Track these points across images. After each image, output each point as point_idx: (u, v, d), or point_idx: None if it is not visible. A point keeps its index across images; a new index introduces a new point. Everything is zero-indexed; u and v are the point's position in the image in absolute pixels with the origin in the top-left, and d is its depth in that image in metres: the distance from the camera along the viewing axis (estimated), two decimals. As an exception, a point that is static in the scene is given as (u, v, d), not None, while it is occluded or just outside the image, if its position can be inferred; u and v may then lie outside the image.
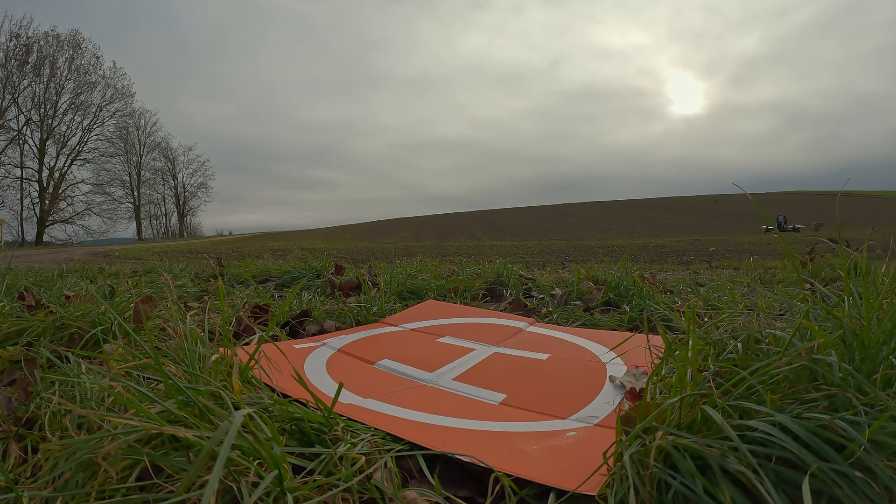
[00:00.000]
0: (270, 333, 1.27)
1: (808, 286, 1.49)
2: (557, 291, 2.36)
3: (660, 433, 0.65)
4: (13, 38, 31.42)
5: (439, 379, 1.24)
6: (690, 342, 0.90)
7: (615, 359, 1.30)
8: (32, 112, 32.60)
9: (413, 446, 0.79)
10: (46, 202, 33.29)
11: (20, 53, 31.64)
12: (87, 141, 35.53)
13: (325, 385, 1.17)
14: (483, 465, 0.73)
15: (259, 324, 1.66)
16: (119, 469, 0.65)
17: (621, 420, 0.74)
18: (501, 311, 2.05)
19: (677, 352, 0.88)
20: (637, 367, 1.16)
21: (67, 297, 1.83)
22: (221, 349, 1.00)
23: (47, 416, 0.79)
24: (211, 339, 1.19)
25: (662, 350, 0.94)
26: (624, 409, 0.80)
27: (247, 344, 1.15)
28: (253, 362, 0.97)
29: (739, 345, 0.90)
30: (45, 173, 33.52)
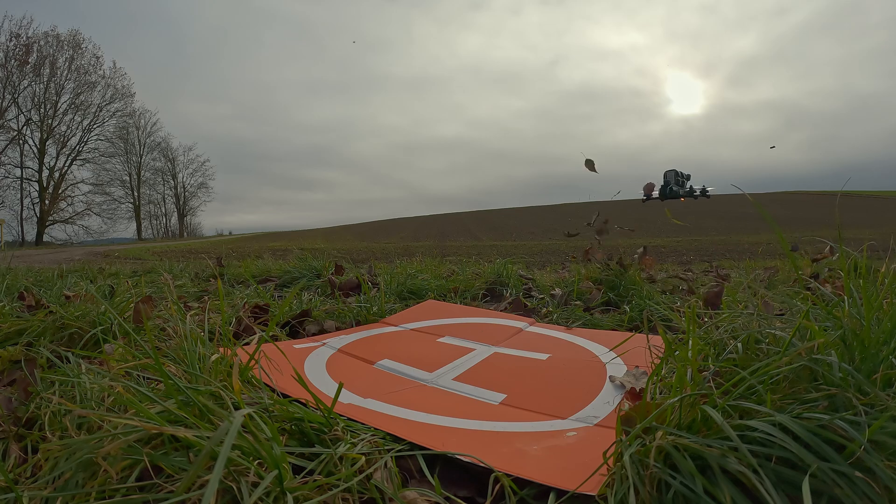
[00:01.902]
0: (270, 333, 1.27)
1: (808, 286, 1.49)
2: (557, 291, 2.35)
3: (660, 433, 0.65)
4: (13, 38, 31.41)
5: (439, 379, 1.24)
6: (690, 342, 0.90)
7: (615, 359, 1.30)
8: (32, 112, 32.58)
9: (413, 446, 0.79)
10: (46, 202, 33.26)
11: (20, 53, 31.62)
12: (87, 141, 35.48)
13: (325, 385, 1.17)
14: (483, 465, 0.73)
15: (259, 324, 1.66)
16: (119, 469, 0.65)
17: (621, 420, 0.74)
18: (501, 311, 2.05)
19: (677, 352, 0.88)
20: (637, 367, 1.15)
21: (67, 297, 1.83)
22: (221, 349, 1.00)
23: (47, 417, 0.79)
24: (211, 339, 1.19)
25: (662, 350, 0.94)
26: (624, 410, 0.80)
27: (247, 344, 1.15)
28: (253, 362, 0.97)
29: (739, 345, 0.91)
30: (45, 173, 33.49)
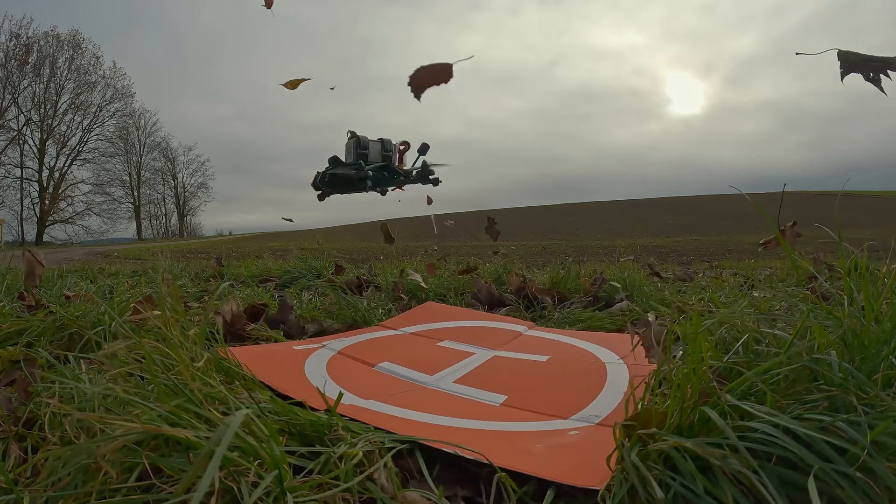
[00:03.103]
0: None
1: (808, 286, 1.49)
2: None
3: (660, 435, 0.65)
4: (13, 38, 31.37)
5: (440, 382, 1.24)
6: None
7: (616, 359, 1.30)
8: (32, 112, 32.52)
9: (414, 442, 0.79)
10: (46, 202, 33.23)
11: (20, 53, 31.59)
12: (87, 141, 35.36)
13: (325, 386, 1.17)
14: (486, 461, 0.73)
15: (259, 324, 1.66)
16: (119, 470, 0.65)
17: (622, 421, 0.74)
18: (502, 313, 2.05)
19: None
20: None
21: (67, 297, 1.83)
22: (221, 350, 1.00)
23: (47, 417, 0.79)
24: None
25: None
26: (624, 409, 0.80)
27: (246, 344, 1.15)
28: (253, 363, 0.97)
29: (740, 346, 0.90)
30: (45, 173, 33.46)
